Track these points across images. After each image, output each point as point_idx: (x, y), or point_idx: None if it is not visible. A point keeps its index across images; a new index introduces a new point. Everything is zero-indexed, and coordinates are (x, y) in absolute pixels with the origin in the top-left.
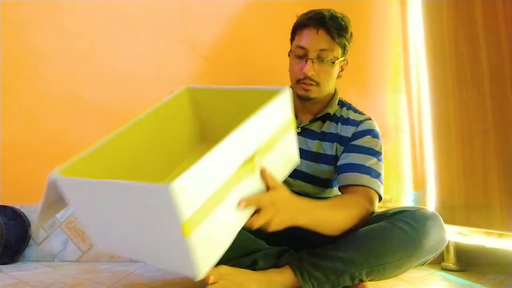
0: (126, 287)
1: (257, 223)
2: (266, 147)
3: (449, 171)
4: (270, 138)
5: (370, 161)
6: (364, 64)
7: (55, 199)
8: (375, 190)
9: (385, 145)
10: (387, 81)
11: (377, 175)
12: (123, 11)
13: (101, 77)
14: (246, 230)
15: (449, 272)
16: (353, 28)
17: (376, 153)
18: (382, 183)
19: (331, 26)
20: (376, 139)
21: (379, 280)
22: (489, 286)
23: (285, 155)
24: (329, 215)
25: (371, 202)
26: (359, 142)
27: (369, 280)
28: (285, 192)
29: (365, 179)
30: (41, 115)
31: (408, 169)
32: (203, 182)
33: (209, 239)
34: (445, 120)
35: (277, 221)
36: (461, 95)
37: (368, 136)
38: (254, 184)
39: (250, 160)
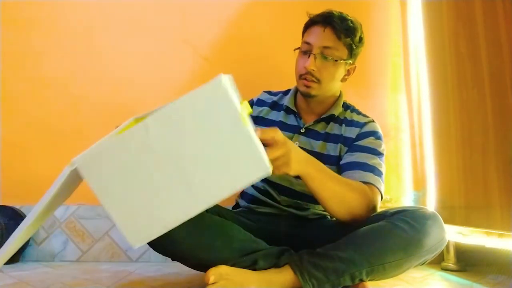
0: (126, 287)
1: (272, 155)
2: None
3: (449, 171)
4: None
5: (373, 160)
6: (364, 64)
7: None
8: (377, 188)
9: (385, 145)
10: (387, 81)
11: (379, 174)
12: (123, 11)
13: (101, 77)
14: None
15: (449, 272)
16: None
17: (379, 154)
18: (383, 183)
19: (338, 25)
20: (379, 141)
21: (379, 279)
22: (489, 286)
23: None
24: (337, 181)
25: (372, 199)
26: (363, 142)
27: (369, 280)
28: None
29: (368, 176)
30: (41, 115)
31: (408, 169)
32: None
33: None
34: (445, 120)
35: (292, 160)
36: (461, 95)
37: (372, 138)
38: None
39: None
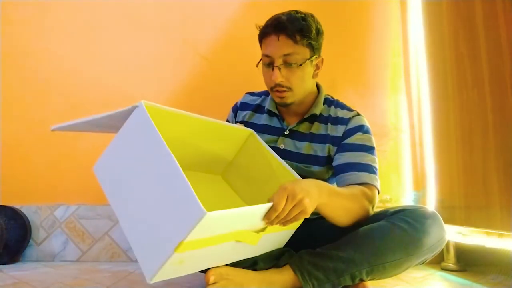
0: (126, 287)
1: (291, 215)
2: (276, 228)
3: (449, 171)
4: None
5: (365, 158)
6: (364, 64)
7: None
8: (374, 186)
9: (385, 145)
10: (387, 81)
11: (373, 171)
12: (123, 11)
13: (101, 77)
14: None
15: (449, 272)
16: (352, 28)
17: (369, 149)
18: (378, 177)
19: (291, 29)
20: (367, 135)
21: (379, 279)
22: (489, 286)
23: (280, 238)
24: (342, 198)
25: (372, 199)
26: (351, 140)
27: (369, 280)
28: (298, 179)
29: (364, 176)
30: (41, 114)
31: (408, 169)
32: (221, 223)
33: (182, 262)
34: (445, 120)
35: (309, 200)
36: (461, 95)
37: (359, 133)
38: (247, 247)
39: (259, 230)
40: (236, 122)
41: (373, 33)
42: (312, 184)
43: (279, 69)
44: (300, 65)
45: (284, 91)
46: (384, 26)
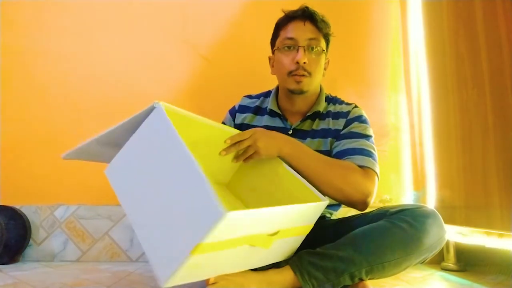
0: (126, 287)
1: (242, 146)
2: (287, 232)
3: (449, 171)
4: (296, 228)
5: (359, 142)
6: (364, 64)
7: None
8: (369, 168)
9: (385, 145)
10: (387, 81)
11: (369, 154)
12: (123, 11)
13: (101, 77)
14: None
15: (449, 272)
16: (352, 28)
17: (364, 136)
18: (376, 162)
19: (316, 18)
20: (363, 124)
21: (379, 278)
22: (489, 286)
23: (292, 246)
24: (315, 157)
25: (368, 182)
26: (348, 129)
27: (369, 279)
28: (263, 128)
29: (357, 159)
30: (41, 114)
31: (408, 169)
32: (239, 224)
33: (197, 267)
34: (445, 120)
35: (262, 145)
36: (461, 95)
37: (356, 123)
38: (260, 253)
39: (272, 234)
40: (234, 125)
41: (373, 33)
42: (279, 136)
43: (304, 50)
44: (322, 51)
45: (304, 75)
46: (384, 26)
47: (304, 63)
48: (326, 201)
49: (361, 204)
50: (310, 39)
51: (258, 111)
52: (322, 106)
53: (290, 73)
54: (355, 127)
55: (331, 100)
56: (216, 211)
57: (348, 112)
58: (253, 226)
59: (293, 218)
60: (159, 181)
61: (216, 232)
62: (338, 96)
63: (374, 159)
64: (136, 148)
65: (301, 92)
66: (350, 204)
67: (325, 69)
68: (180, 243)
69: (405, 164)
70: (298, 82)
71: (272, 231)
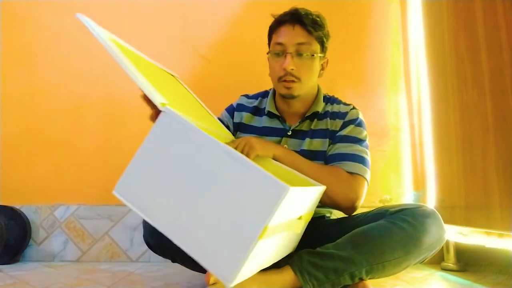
0: (126, 287)
1: (233, 144)
2: (306, 217)
3: (449, 171)
4: (308, 214)
5: (352, 148)
6: (364, 64)
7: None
8: (359, 174)
9: (385, 145)
10: (387, 81)
11: (360, 160)
12: (123, 11)
13: (101, 77)
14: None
15: (449, 272)
16: (352, 28)
17: (358, 140)
18: (367, 167)
19: (306, 21)
20: (359, 128)
21: (379, 277)
22: (489, 286)
23: (298, 237)
24: (307, 162)
25: (355, 188)
26: (343, 132)
27: (369, 278)
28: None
29: (348, 165)
30: (41, 115)
31: (408, 169)
32: (293, 205)
33: (256, 257)
34: (445, 120)
35: (257, 145)
36: (461, 95)
37: (352, 126)
38: (287, 239)
39: (299, 218)
40: (233, 123)
41: (373, 33)
42: (272, 142)
43: (292, 56)
44: (312, 56)
45: (293, 81)
46: (384, 26)
47: (292, 69)
48: (324, 186)
49: (348, 209)
50: (299, 43)
51: (256, 111)
52: (320, 107)
53: (279, 79)
54: (351, 130)
55: (329, 100)
56: (279, 187)
57: (346, 113)
58: (296, 208)
59: (311, 201)
60: (195, 181)
61: (280, 210)
62: (338, 96)
63: (365, 165)
64: (151, 158)
65: (291, 97)
66: (338, 209)
67: (323, 69)
68: (243, 232)
69: (405, 164)
70: (288, 88)
71: (299, 215)
